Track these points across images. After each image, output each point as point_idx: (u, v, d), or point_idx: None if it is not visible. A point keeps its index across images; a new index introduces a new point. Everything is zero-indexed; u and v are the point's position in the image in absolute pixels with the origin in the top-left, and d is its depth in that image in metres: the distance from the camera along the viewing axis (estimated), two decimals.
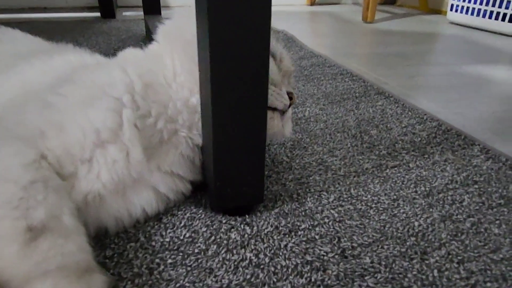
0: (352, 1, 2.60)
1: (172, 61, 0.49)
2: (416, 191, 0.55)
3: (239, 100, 0.41)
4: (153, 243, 0.44)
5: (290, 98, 0.52)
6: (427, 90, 0.99)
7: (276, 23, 2.14)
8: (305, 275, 0.40)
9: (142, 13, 1.46)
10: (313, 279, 0.39)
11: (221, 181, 0.45)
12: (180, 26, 0.51)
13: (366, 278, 0.40)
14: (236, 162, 0.44)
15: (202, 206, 0.50)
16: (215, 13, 0.37)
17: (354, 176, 0.58)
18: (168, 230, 0.45)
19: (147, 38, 1.38)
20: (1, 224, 0.35)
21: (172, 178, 0.47)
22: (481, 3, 1.68)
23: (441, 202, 0.53)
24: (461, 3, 1.79)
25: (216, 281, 0.39)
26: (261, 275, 0.40)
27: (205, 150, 0.47)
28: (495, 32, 1.65)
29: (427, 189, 0.56)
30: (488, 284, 0.40)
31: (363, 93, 0.91)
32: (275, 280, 0.39)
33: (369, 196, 0.53)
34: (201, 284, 0.38)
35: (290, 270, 0.40)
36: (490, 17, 1.67)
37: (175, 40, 0.50)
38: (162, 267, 0.40)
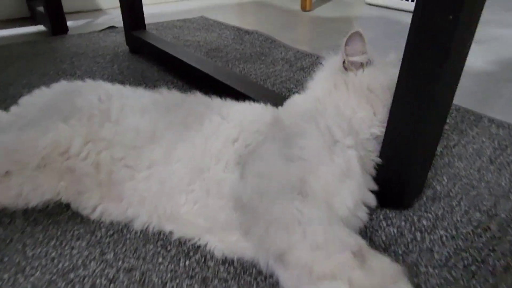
0: None
1: (347, 102, 0.62)
2: (483, 161, 0.80)
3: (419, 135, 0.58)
4: (376, 239, 0.59)
5: None
6: None
7: (211, 14, 2.21)
8: (474, 223, 0.61)
9: (85, 20, 1.67)
10: (478, 230, 0.61)
11: (401, 190, 0.63)
12: (361, 79, 0.63)
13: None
14: (410, 178, 0.63)
15: (379, 209, 0.66)
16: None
17: (445, 157, 0.80)
18: (379, 230, 0.61)
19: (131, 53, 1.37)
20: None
21: (368, 192, 0.62)
22: None
23: (502, 165, 0.79)
24: None
25: (439, 247, 0.57)
26: (453, 232, 0.59)
27: (389, 168, 0.63)
28: (410, 11, 2.04)
29: (487, 158, 0.81)
30: None
31: None
32: (460, 232, 0.59)
33: (463, 172, 0.76)
34: (423, 257, 0.56)
35: (467, 226, 0.61)
36: None
37: (350, 88, 0.62)
38: (399, 252, 0.56)
